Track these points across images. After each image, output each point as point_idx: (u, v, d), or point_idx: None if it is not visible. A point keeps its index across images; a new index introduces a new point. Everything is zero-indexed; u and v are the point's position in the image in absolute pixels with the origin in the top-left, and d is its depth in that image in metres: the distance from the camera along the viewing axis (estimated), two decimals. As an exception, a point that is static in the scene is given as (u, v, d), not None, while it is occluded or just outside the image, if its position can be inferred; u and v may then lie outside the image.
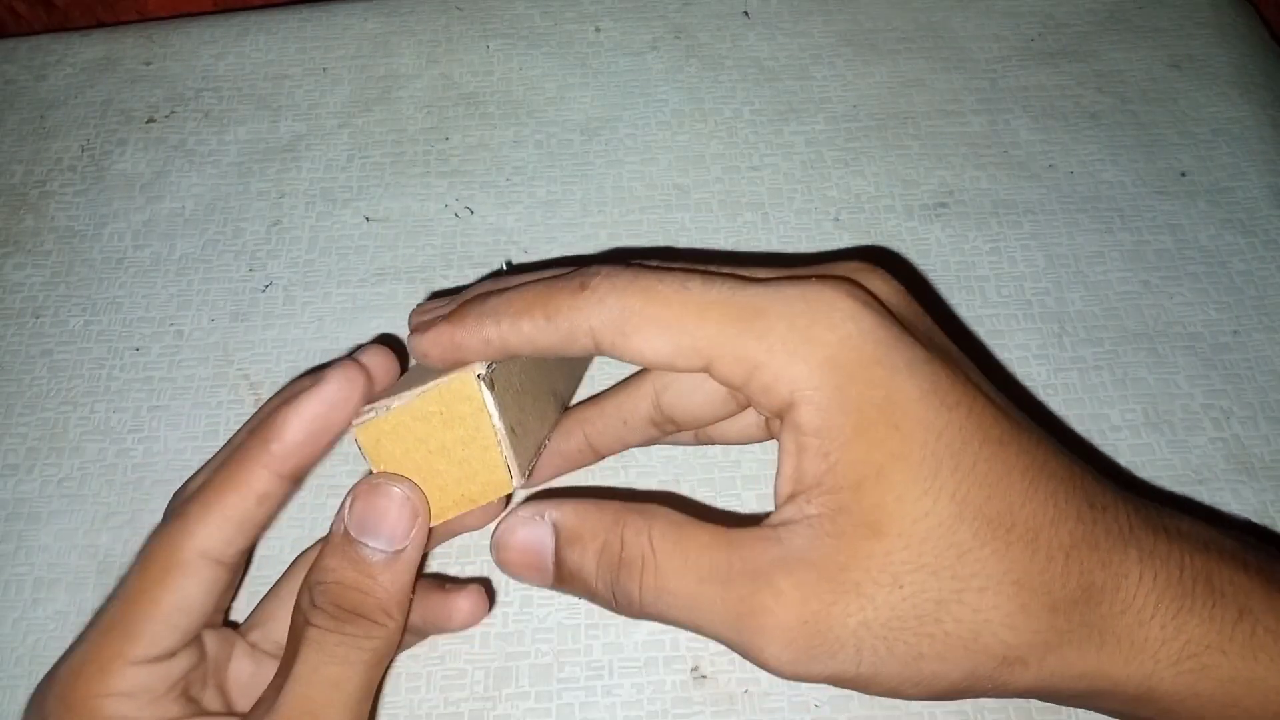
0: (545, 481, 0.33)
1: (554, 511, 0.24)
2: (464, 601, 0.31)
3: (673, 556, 0.22)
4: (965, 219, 0.44)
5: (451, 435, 0.25)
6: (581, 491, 0.37)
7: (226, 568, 0.26)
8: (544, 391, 0.30)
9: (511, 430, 0.26)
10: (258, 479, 0.25)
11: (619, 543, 0.23)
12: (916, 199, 0.44)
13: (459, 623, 0.31)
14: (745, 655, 0.22)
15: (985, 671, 0.21)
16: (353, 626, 0.25)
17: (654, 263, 0.25)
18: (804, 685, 0.33)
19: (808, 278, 0.23)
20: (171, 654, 0.26)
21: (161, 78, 0.50)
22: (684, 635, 0.34)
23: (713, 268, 0.25)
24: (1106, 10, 0.50)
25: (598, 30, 0.51)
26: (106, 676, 0.25)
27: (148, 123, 0.48)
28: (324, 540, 0.26)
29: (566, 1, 0.52)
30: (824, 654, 0.21)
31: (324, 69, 0.50)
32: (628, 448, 0.32)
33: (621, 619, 0.34)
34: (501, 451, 0.25)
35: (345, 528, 0.25)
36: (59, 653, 0.27)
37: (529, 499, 0.25)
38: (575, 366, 0.35)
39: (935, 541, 0.21)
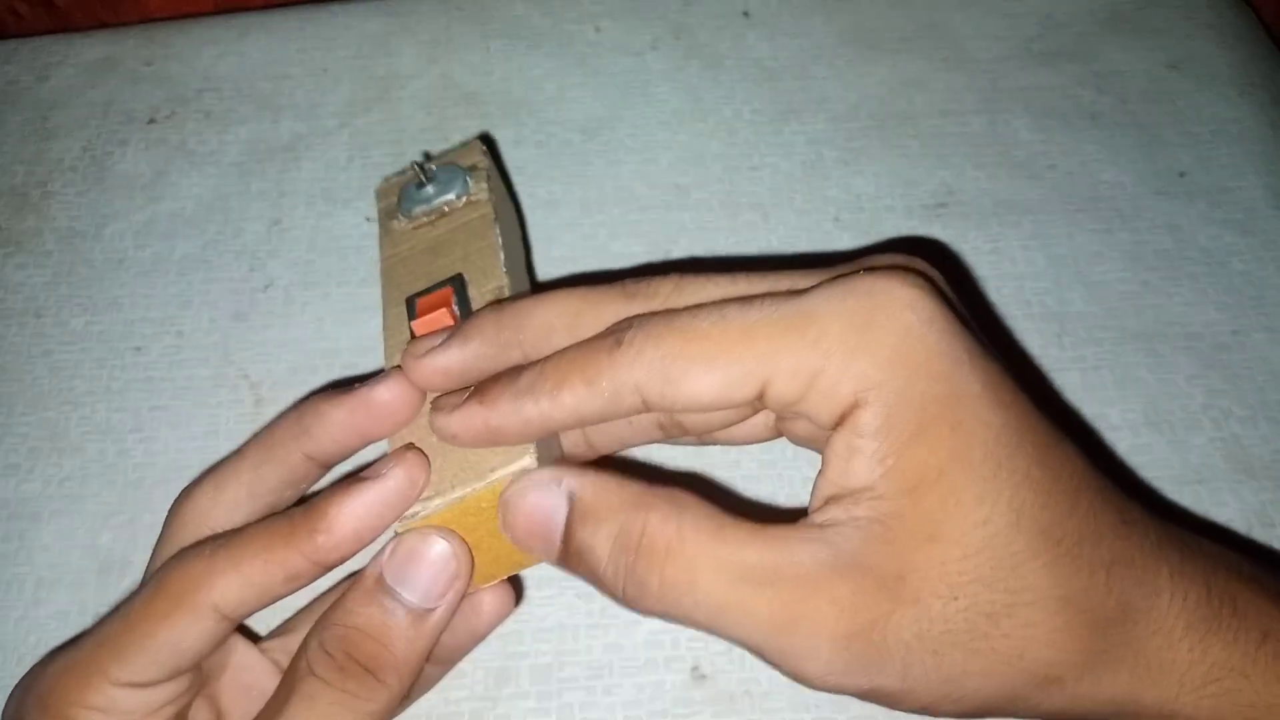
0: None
1: (573, 480, 0.22)
2: (487, 596, 0.28)
3: (705, 551, 0.21)
4: (965, 219, 0.44)
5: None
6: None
7: (232, 623, 0.25)
8: None
9: None
10: (294, 560, 0.24)
11: (640, 527, 0.21)
12: (916, 199, 0.44)
13: (488, 622, 0.28)
14: (777, 663, 0.21)
15: (1023, 691, 0.20)
16: (355, 684, 0.23)
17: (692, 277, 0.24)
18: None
19: (852, 273, 0.22)
20: (156, 683, 0.25)
21: (162, 78, 0.50)
22: (684, 635, 0.34)
23: (746, 278, 0.23)
24: (1106, 10, 0.50)
25: (598, 30, 0.51)
26: (86, 690, 0.25)
27: (149, 123, 0.48)
28: (355, 578, 0.25)
29: (566, 1, 0.52)
30: (871, 667, 0.20)
31: (324, 69, 0.50)
32: (626, 448, 0.32)
33: (623, 618, 0.34)
34: None
35: (381, 572, 0.24)
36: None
37: (544, 469, 0.23)
38: (522, 250, 0.33)
39: (992, 551, 0.20)
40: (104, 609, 0.27)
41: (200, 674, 0.27)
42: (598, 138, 0.47)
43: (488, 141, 0.36)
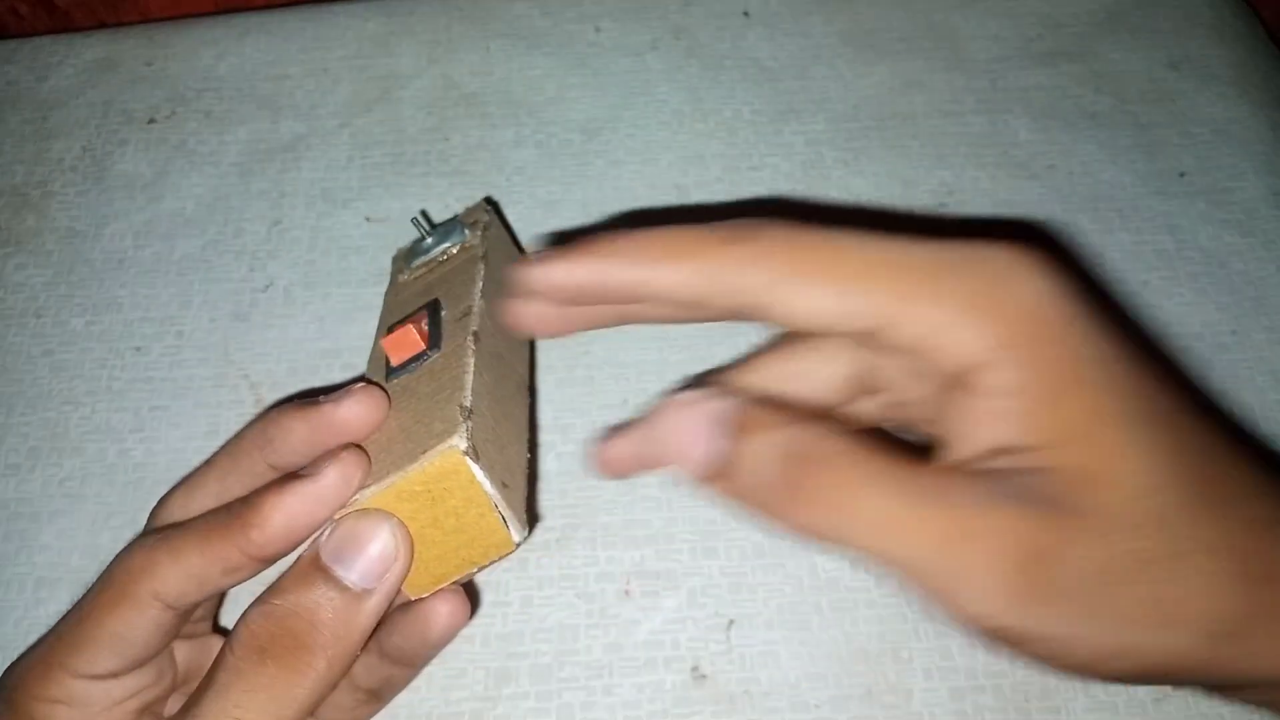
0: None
1: (730, 397, 0.21)
2: (441, 605, 0.27)
3: (876, 466, 0.20)
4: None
5: (441, 508, 0.24)
6: (590, 514, 0.37)
7: (176, 613, 0.25)
8: (510, 393, 0.29)
9: (503, 486, 0.24)
10: (230, 553, 0.24)
11: (810, 438, 0.20)
12: (916, 199, 0.44)
13: (439, 630, 0.27)
14: (937, 591, 0.19)
15: (1185, 648, 0.19)
16: (276, 667, 0.23)
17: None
18: (804, 685, 0.33)
19: (975, 243, 0.21)
20: (114, 675, 0.26)
21: (162, 78, 0.50)
22: (684, 635, 0.34)
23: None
24: (1106, 10, 0.50)
25: (598, 30, 0.51)
26: (46, 683, 0.25)
27: (149, 123, 0.48)
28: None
29: (566, 1, 0.52)
30: (1043, 599, 0.19)
31: (324, 69, 0.50)
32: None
33: (623, 618, 0.34)
34: (499, 513, 0.24)
35: (318, 552, 0.24)
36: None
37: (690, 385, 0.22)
38: (525, 345, 0.33)
39: (1151, 500, 0.19)
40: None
41: (173, 669, 0.28)
42: (598, 138, 0.47)
43: (493, 204, 0.38)
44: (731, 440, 0.21)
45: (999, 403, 0.20)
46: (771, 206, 0.44)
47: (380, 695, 0.29)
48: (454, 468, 0.24)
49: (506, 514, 0.24)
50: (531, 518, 0.35)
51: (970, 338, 0.20)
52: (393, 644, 0.28)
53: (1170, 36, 0.49)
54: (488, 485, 0.24)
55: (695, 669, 0.34)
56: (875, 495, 0.20)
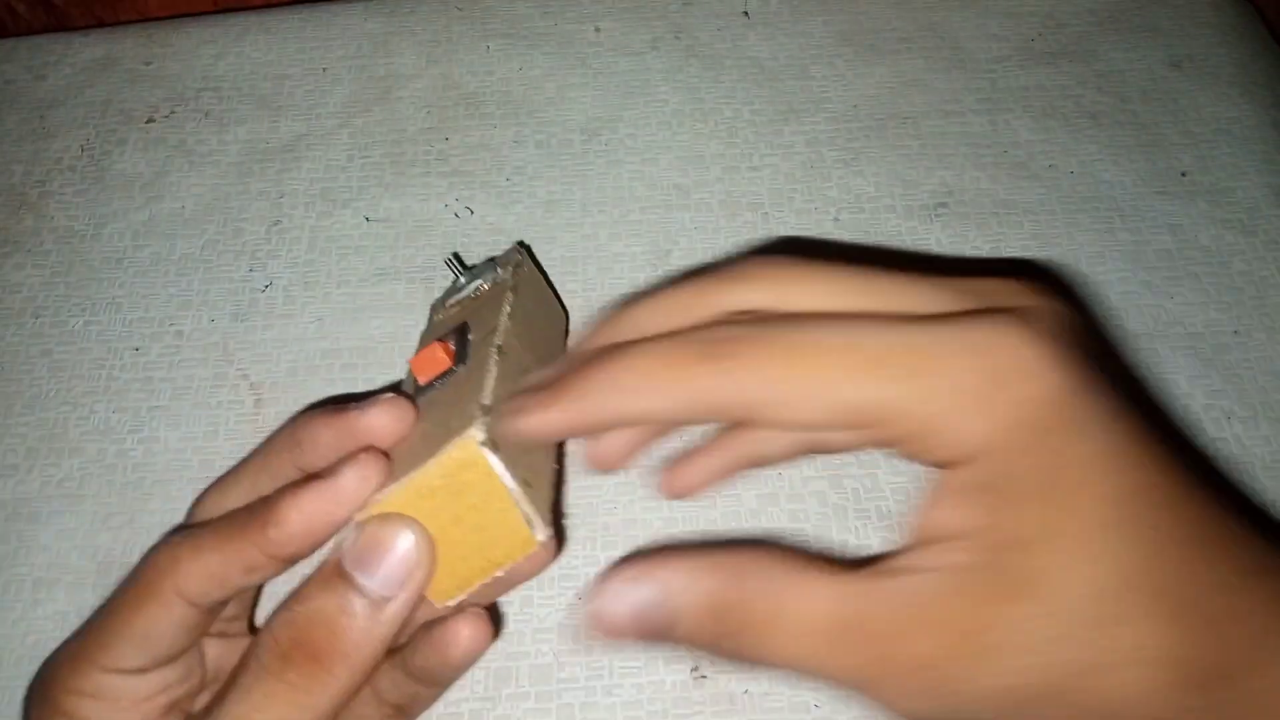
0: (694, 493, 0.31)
1: (663, 572, 0.22)
2: (463, 628, 0.27)
3: (792, 615, 0.21)
4: (965, 219, 0.44)
5: (462, 504, 0.24)
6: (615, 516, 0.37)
7: (200, 611, 0.26)
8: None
9: (525, 483, 0.24)
10: (249, 552, 0.24)
11: (740, 604, 0.21)
12: (916, 199, 0.44)
13: (461, 652, 0.27)
14: (870, 702, 0.21)
15: None
16: (296, 673, 0.23)
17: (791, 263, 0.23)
18: (803, 686, 0.33)
19: (977, 314, 0.21)
20: (142, 670, 0.26)
21: (161, 78, 0.50)
22: (684, 635, 0.34)
23: (856, 278, 0.22)
24: (1106, 10, 0.50)
25: (598, 30, 0.51)
26: (76, 676, 0.26)
27: (147, 122, 0.48)
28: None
29: (566, 1, 0.52)
30: (951, 712, 0.20)
31: (324, 69, 0.50)
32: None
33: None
34: (521, 509, 0.24)
35: (340, 558, 0.24)
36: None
37: (626, 559, 0.23)
38: (556, 338, 0.34)
39: (1086, 612, 0.20)
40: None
41: (202, 668, 0.28)
42: (598, 138, 0.47)
43: (525, 247, 0.39)
44: (667, 632, 0.22)
45: (970, 494, 0.20)
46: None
47: (406, 712, 0.29)
48: (472, 459, 0.23)
49: (528, 510, 0.24)
50: (560, 533, 0.34)
51: (963, 435, 0.20)
52: (416, 663, 0.28)
53: (1171, 36, 0.49)
54: (507, 478, 0.23)
55: (695, 669, 0.34)
56: (806, 642, 0.21)
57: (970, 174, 0.45)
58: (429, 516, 0.24)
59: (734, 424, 0.24)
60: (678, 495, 0.30)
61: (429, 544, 0.24)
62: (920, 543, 0.21)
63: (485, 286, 0.32)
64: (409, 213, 0.45)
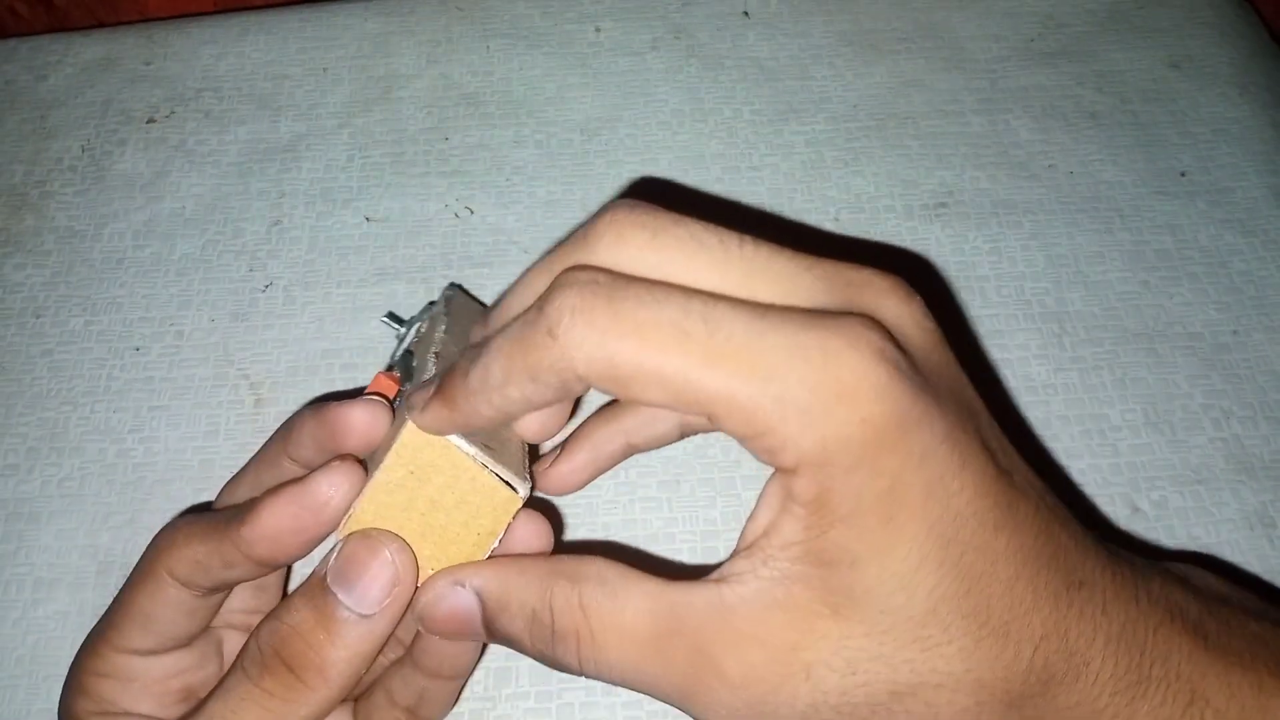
0: (581, 486, 0.31)
1: (475, 579, 0.23)
2: (461, 646, 0.28)
3: (608, 625, 0.21)
4: (965, 219, 0.44)
5: (434, 487, 0.24)
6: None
7: (196, 595, 0.26)
8: None
9: (486, 448, 0.24)
10: (226, 548, 0.25)
11: (549, 613, 0.22)
12: (916, 199, 0.44)
13: (453, 661, 0.28)
14: (691, 717, 0.22)
15: None
16: (273, 683, 0.23)
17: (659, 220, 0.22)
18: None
19: (832, 317, 0.20)
20: (153, 651, 0.27)
21: (162, 78, 0.50)
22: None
23: (701, 239, 0.22)
24: (1106, 10, 0.50)
25: (598, 30, 0.51)
26: (94, 657, 0.26)
27: (148, 123, 0.48)
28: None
29: (566, 1, 0.52)
30: None
31: (324, 69, 0.50)
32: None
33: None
34: (491, 471, 0.24)
35: (324, 572, 0.24)
36: (59, 653, 0.28)
37: (447, 569, 0.24)
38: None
39: (900, 634, 0.20)
40: (103, 610, 0.28)
41: (219, 657, 0.29)
42: (598, 138, 0.47)
43: (457, 287, 0.39)
44: (488, 633, 0.24)
45: (795, 508, 0.20)
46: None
47: (418, 712, 0.29)
48: (425, 440, 0.24)
49: (498, 469, 0.24)
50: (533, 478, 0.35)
51: (794, 446, 0.19)
52: (418, 653, 0.28)
53: (1171, 36, 0.49)
54: (465, 446, 0.24)
55: (695, 669, 0.34)
56: (620, 653, 0.21)
57: (970, 174, 0.45)
58: (407, 510, 0.24)
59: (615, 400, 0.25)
60: (560, 491, 0.31)
61: (409, 559, 0.24)
62: (748, 548, 0.21)
63: (424, 326, 0.33)
64: (409, 213, 0.45)
